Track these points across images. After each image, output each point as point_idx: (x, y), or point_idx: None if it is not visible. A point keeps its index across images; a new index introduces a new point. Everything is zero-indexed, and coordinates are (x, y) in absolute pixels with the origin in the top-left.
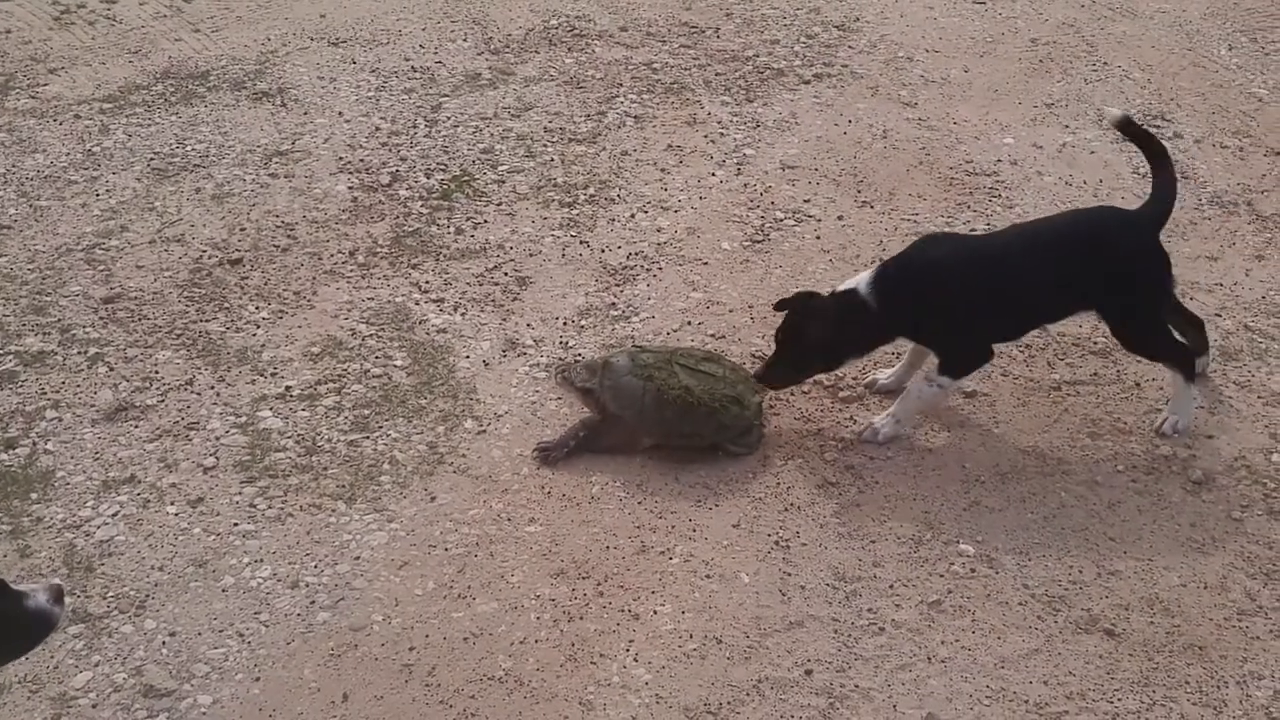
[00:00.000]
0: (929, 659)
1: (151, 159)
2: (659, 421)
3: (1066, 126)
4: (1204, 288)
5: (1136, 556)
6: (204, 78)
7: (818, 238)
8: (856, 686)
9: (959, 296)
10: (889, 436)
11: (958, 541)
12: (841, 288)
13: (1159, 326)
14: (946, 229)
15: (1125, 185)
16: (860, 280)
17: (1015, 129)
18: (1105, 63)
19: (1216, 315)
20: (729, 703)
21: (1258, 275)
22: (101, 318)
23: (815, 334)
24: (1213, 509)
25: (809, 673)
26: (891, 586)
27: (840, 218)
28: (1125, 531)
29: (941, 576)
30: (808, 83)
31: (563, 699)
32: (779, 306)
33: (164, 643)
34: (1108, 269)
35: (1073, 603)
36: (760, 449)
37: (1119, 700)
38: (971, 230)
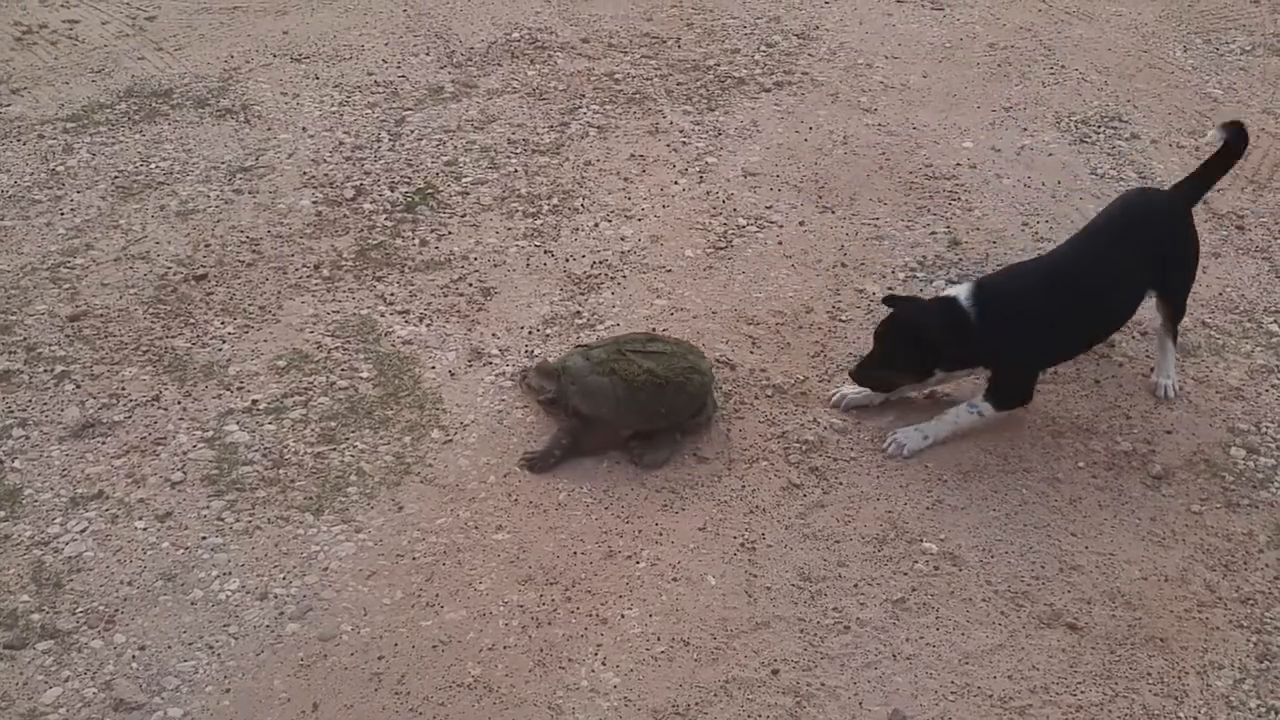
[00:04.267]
0: (894, 656)
1: (116, 177)
2: (635, 409)
3: (1025, 129)
4: None
5: (1098, 551)
6: (167, 95)
7: (780, 243)
8: (823, 685)
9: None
10: (915, 451)
11: (921, 540)
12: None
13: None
14: (908, 231)
15: (1083, 186)
16: (960, 291)
17: (974, 133)
18: (1063, 66)
19: None
20: (697, 704)
21: (1214, 272)
22: (67, 335)
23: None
24: (1172, 503)
25: (775, 672)
26: (856, 585)
27: (802, 223)
28: (1086, 527)
29: (906, 574)
30: (768, 90)
31: (532, 704)
32: (888, 301)
33: (134, 657)
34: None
35: (1035, 598)
36: (719, 414)
37: (1082, 693)
38: (931, 233)
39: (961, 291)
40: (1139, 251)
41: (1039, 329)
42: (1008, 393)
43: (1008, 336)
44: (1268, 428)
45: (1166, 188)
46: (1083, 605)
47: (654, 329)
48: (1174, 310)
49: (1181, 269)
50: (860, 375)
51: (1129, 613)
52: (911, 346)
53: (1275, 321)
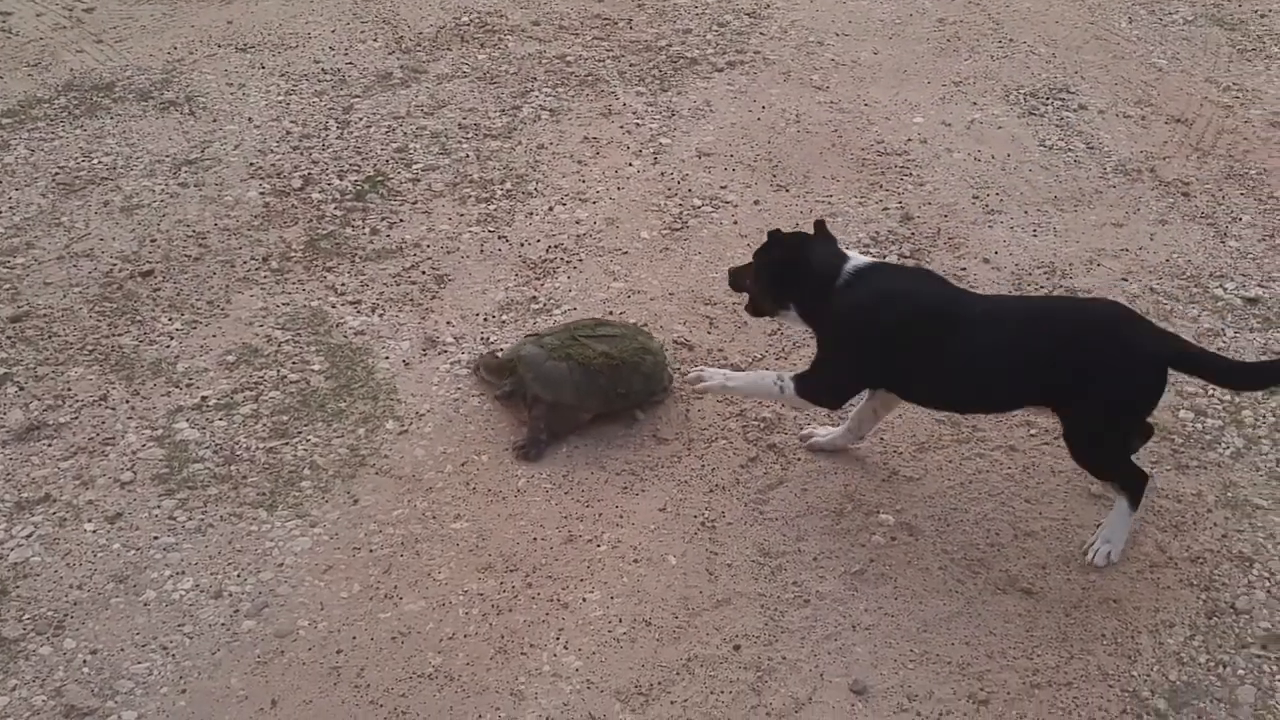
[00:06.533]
0: (854, 627)
1: (56, 173)
2: (594, 391)
3: (974, 104)
4: (1110, 253)
5: (1051, 517)
6: (109, 89)
7: (735, 223)
8: (784, 658)
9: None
10: (709, 388)
11: (878, 512)
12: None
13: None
14: (861, 208)
15: (1032, 159)
16: (854, 258)
17: (924, 108)
18: (1011, 39)
19: (1123, 280)
20: (659, 683)
21: (1161, 239)
22: (9, 337)
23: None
24: None
25: (737, 648)
26: (815, 559)
27: (757, 202)
28: (1040, 493)
29: (863, 546)
30: (721, 70)
31: (494, 691)
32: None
33: (85, 661)
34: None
35: (991, 564)
36: (677, 394)
37: (1038, 656)
38: (884, 209)
39: (856, 259)
40: (1042, 352)
41: (878, 337)
42: (814, 378)
43: (847, 320)
44: (1214, 390)
45: (1113, 158)
46: (1038, 570)
47: (610, 312)
48: (1075, 448)
49: (1097, 408)
50: (732, 272)
51: (1083, 576)
52: (776, 269)
53: (1220, 286)
